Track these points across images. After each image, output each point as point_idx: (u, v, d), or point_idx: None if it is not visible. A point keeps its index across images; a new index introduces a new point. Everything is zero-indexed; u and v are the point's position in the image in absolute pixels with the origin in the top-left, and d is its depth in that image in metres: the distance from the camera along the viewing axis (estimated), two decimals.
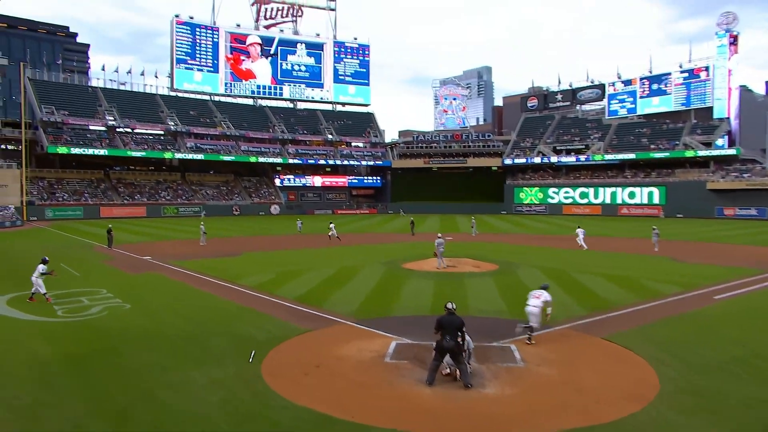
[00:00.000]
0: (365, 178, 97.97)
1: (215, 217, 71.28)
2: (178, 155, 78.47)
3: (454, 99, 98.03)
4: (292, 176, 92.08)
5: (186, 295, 17.96)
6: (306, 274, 22.26)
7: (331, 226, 38.32)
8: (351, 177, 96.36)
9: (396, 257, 28.22)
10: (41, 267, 16.56)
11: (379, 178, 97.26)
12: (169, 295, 17.99)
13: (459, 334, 10.00)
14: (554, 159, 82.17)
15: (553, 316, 15.08)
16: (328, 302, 16.67)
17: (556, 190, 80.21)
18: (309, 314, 15.28)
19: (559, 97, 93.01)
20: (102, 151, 71.06)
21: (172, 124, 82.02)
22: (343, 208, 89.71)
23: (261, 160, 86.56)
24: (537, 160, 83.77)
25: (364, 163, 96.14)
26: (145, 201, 72.16)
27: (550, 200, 79.95)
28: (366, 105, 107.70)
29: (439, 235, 25.61)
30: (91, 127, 77.32)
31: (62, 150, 67.64)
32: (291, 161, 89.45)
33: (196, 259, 28.09)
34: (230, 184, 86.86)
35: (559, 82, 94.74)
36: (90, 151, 70.08)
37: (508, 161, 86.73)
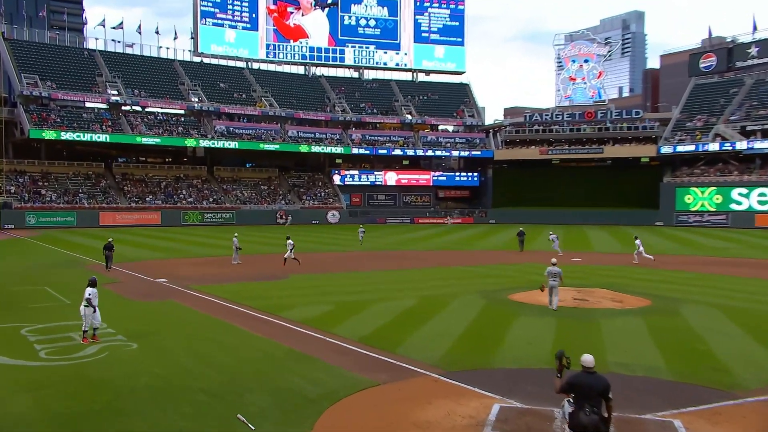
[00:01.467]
0: (457, 174, 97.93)
1: (253, 226, 73.82)
2: (204, 143, 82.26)
3: (586, 61, 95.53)
4: (356, 172, 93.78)
5: (213, 331, 18.43)
6: (374, 306, 22.34)
7: (289, 243, 35.95)
8: (437, 173, 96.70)
9: (499, 285, 27.87)
10: (90, 291, 16.93)
11: (475, 174, 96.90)
12: (190, 331, 18.51)
13: (603, 402, 9.43)
14: (742, 145, 77.26)
15: (743, 378, 14.11)
16: (405, 346, 16.57)
17: (744, 191, 75.55)
18: (378, 361, 15.23)
19: (754, 51, 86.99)
20: (103, 137, 75.46)
21: (196, 100, 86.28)
22: (425, 216, 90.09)
23: (315, 149, 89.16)
24: (714, 146, 79.30)
25: (455, 153, 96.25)
26: (159, 204, 76.14)
27: (734, 206, 75.44)
28: (459, 73, 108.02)
29: (554, 261, 22.77)
30: (88, 105, 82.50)
31: (49, 135, 72.23)
32: (355, 151, 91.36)
33: (226, 282, 28.84)
34: (273, 183, 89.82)
35: (755, 28, 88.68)
36: (87, 137, 74.48)
37: (666, 149, 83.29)
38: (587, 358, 9.72)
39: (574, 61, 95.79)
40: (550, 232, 48.73)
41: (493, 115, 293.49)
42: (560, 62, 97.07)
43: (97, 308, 16.95)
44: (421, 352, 15.88)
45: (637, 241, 38.52)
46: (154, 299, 24.01)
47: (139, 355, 15.58)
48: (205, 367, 14.57)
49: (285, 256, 35.46)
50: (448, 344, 16.76)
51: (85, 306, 16.86)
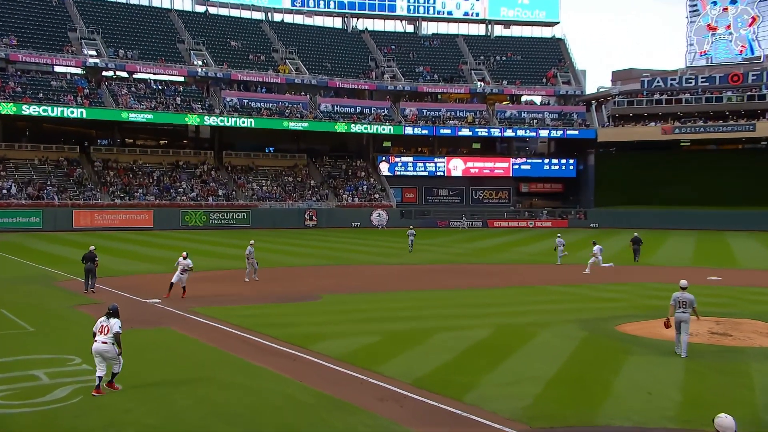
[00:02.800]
0: (546, 161, 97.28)
1: (274, 230, 74.58)
2: (210, 120, 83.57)
3: (733, 2, 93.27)
4: (410, 159, 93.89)
5: (222, 370, 18.52)
6: (435, 338, 22.27)
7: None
8: (519, 160, 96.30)
9: (604, 311, 27.56)
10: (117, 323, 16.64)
11: (572, 161, 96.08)
12: (191, 369, 18.62)
13: None
14: None
15: None
16: (476, 392, 16.41)
17: None
18: (440, 412, 15.10)
19: None
20: (77, 112, 76.92)
21: (200, 64, 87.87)
22: (502, 218, 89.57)
23: (356, 129, 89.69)
24: None
25: (544, 133, 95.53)
26: (151, 201, 77.60)
27: None
28: (551, 24, 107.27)
29: (683, 284, 20.84)
30: (59, 69, 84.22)
31: (7, 108, 73.89)
32: (410, 131, 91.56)
33: (239, 304, 29.09)
34: (301, 173, 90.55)
35: None
36: (56, 112, 76.01)
37: None
38: (725, 422, 9.42)
39: (714, 3, 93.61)
40: (558, 235, 49.53)
41: (597, 80, 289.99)
42: (694, 5, 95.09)
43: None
44: (497, 401, 15.70)
45: (596, 248, 41.98)
46: (145, 326, 24.25)
47: (124, 400, 15.71)
48: (212, 417, 14.64)
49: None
50: (535, 391, 16.54)
51: (112, 343, 16.28)
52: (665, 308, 21.75)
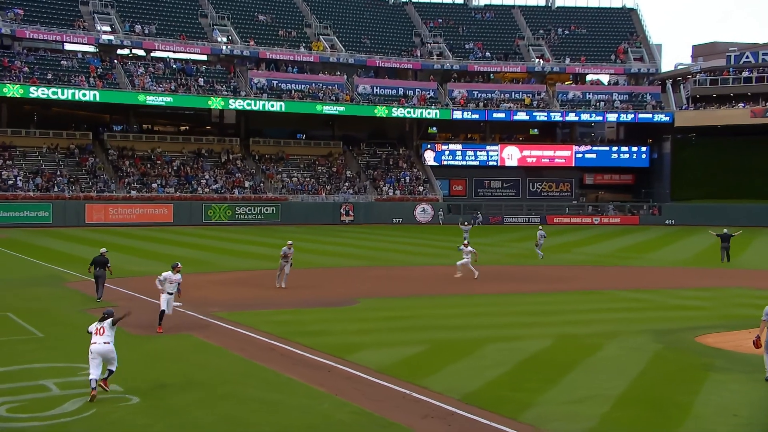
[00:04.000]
0: (614, 149, 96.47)
1: (307, 226, 74.98)
2: (236, 103, 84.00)
3: None
4: (459, 146, 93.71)
5: (248, 382, 18.63)
6: (486, 348, 22.31)
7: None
8: (583, 148, 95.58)
9: (682, 320, 27.36)
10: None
11: (644, 149, 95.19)
12: (214, 381, 18.73)
13: None
14: None
15: None
16: (532, 410, 16.38)
17: None
18: (489, 430, 15.10)
19: None
20: (90, 95, 77.44)
21: (225, 41, 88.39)
22: (563, 213, 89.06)
23: (398, 113, 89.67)
24: None
25: (612, 117, 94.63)
26: (171, 194, 78.47)
27: None
28: None
29: None
30: (69, 47, 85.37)
31: (13, 90, 74.64)
32: (458, 115, 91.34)
33: (268, 309, 29.30)
34: (336, 163, 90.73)
35: None
36: (67, 94, 76.65)
37: None
38: None
39: None
40: (540, 228, 50.21)
41: (674, 56, 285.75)
42: None
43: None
44: (557, 422, 15.65)
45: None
46: (164, 333, 24.58)
47: (140, 415, 15.88)
48: None
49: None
50: (600, 411, 16.46)
51: (104, 343, 17.36)
52: (754, 318, 21.46)
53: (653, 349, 22.58)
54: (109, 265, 30.60)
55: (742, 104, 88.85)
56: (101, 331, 17.57)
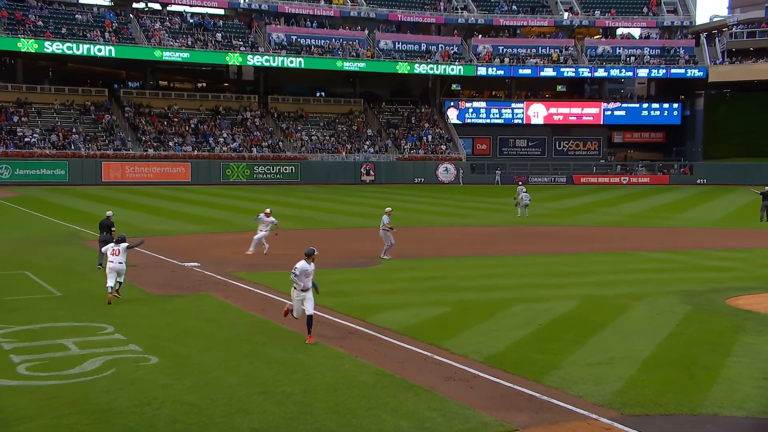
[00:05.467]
0: (644, 106, 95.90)
1: (327, 186, 75.14)
2: (254, 59, 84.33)
3: None
4: (483, 104, 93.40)
5: (269, 343, 18.81)
6: (511, 309, 22.41)
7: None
8: (612, 105, 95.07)
9: (713, 282, 27.33)
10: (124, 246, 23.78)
11: (675, 106, 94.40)
12: (235, 342, 18.90)
13: None
14: None
15: None
16: (559, 372, 16.44)
17: None
18: (517, 394, 15.16)
19: None
20: (105, 50, 77.91)
21: None
22: (591, 173, 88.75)
23: (420, 69, 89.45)
24: None
25: (642, 73, 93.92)
26: (188, 152, 78.83)
27: None
28: None
29: None
30: (83, 0, 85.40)
31: (27, 45, 74.91)
32: (483, 71, 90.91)
33: (287, 269, 29.32)
34: (357, 121, 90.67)
35: None
36: (82, 50, 77.15)
37: None
38: None
39: None
40: (520, 183, 48.62)
41: (710, 8, 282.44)
42: None
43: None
44: (583, 384, 15.71)
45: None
46: (183, 292, 24.89)
47: (161, 375, 16.06)
48: (259, 396, 14.91)
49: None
50: (628, 372, 16.51)
51: (119, 263, 23.00)
52: None
53: (682, 311, 22.57)
54: (113, 229, 28.54)
55: None
56: (117, 252, 23.15)
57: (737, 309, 23.00)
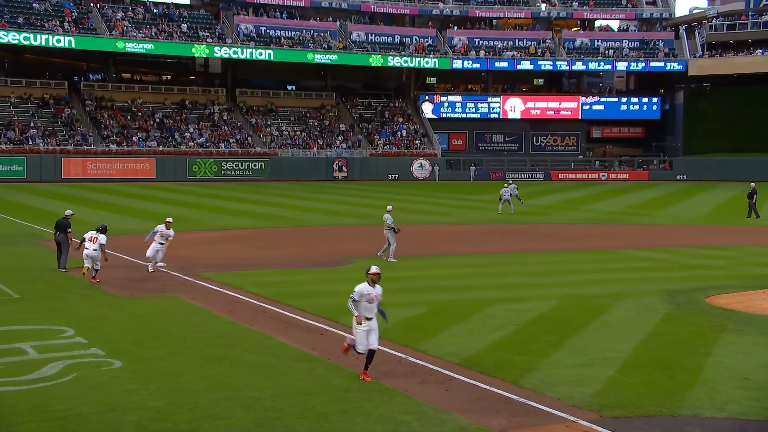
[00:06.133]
0: (623, 100, 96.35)
1: (298, 183, 75.07)
2: (222, 51, 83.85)
3: None
4: (459, 98, 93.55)
5: (238, 346, 18.76)
6: (488, 310, 22.47)
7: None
8: (591, 99, 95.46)
9: (694, 280, 27.55)
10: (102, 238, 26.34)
11: (655, 100, 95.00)
12: (202, 345, 18.74)
13: None
14: None
15: None
16: (534, 374, 16.56)
17: None
18: (494, 397, 15.26)
19: None
20: (65, 41, 77.16)
21: None
22: (569, 169, 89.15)
23: (394, 62, 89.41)
24: None
25: (621, 66, 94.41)
26: (153, 147, 78.37)
27: None
28: None
29: None
30: None
31: None
32: (458, 65, 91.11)
33: (258, 269, 29.41)
34: (329, 115, 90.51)
35: None
36: (40, 40, 76.32)
37: None
38: None
39: None
40: (509, 182, 52.04)
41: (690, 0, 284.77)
42: None
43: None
44: (561, 386, 15.80)
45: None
46: (148, 294, 24.78)
47: (124, 380, 15.95)
48: (226, 400, 14.87)
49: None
50: (608, 374, 16.65)
51: (98, 250, 26.01)
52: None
53: (663, 311, 22.77)
54: (69, 230, 28.62)
55: (761, 50, 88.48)
56: (94, 239, 25.87)
57: (718, 308, 23.21)
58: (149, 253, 28.94)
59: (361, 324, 16.05)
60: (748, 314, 22.33)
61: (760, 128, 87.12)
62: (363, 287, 16.47)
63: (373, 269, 16.88)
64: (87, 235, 26.05)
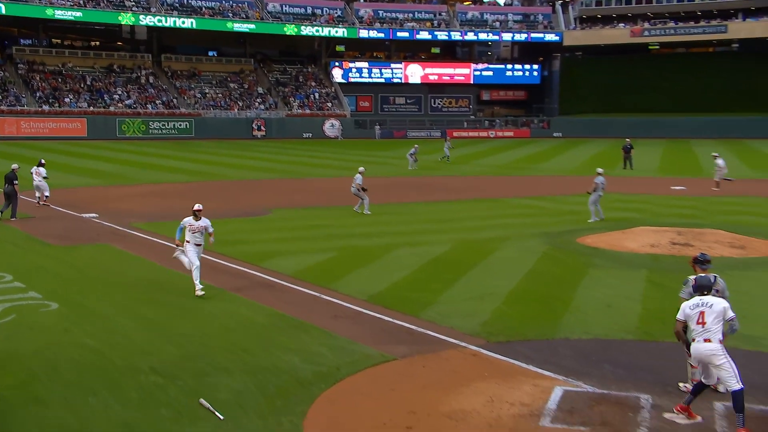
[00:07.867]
0: (508, 67, 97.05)
1: (219, 141, 74.12)
2: (146, 20, 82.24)
3: None
4: (365, 64, 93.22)
5: (167, 289, 18.71)
6: (391, 254, 22.73)
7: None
8: (481, 66, 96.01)
9: (566, 224, 28.23)
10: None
11: (536, 67, 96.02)
12: (134, 288, 18.57)
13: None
14: None
15: None
16: (433, 308, 16.86)
17: None
18: (396, 328, 15.52)
19: None
20: None
21: None
22: (462, 127, 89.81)
23: (306, 31, 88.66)
24: None
25: (507, 37, 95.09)
26: (84, 108, 76.50)
27: None
28: None
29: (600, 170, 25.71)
30: None
31: None
32: (364, 34, 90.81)
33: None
34: (248, 79, 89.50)
35: None
36: None
37: None
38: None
39: None
40: (447, 141, 54.06)
41: None
42: None
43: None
44: (454, 318, 16.15)
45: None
46: (81, 242, 24.50)
47: (61, 320, 15.80)
48: (157, 338, 14.87)
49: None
50: (493, 306, 17.04)
51: (39, 181, 31.53)
52: (627, 220, 22.22)
53: (541, 250, 23.32)
54: (16, 182, 28.30)
55: (623, 24, 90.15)
56: (38, 173, 31.70)
57: (587, 247, 23.88)
58: (189, 261, 18.05)
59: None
60: (611, 251, 23.04)
61: (625, 92, 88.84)
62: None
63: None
64: (32, 170, 32.24)
